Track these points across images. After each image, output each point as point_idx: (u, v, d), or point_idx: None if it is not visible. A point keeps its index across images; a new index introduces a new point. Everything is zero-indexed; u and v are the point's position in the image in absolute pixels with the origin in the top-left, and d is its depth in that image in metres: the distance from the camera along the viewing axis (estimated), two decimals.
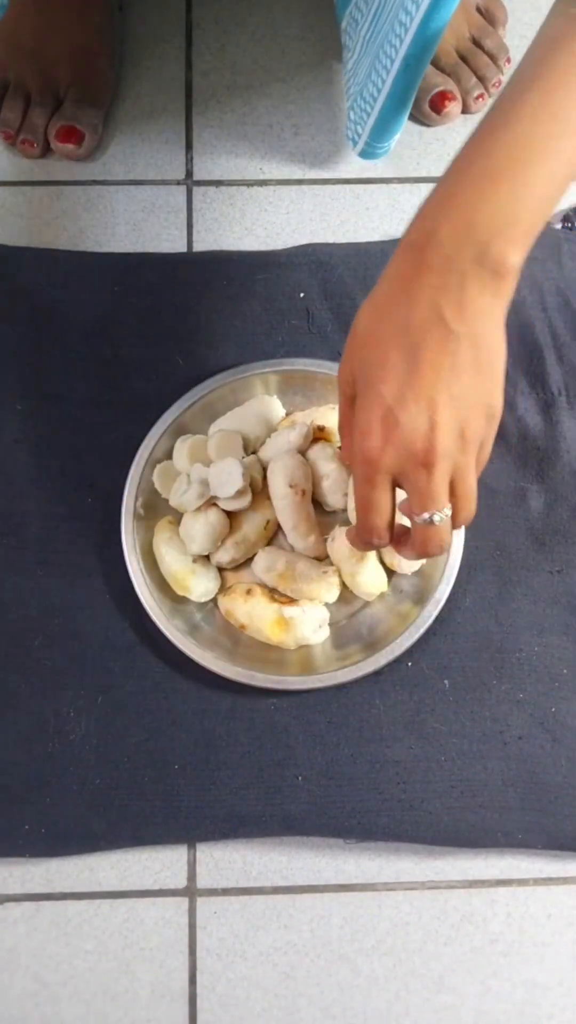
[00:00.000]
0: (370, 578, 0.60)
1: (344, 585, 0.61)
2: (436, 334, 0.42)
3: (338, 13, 0.66)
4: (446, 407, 0.43)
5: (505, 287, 0.42)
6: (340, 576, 0.61)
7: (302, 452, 0.62)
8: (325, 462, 0.61)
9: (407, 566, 0.60)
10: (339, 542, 0.60)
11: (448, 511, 0.46)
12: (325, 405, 0.63)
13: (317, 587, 0.59)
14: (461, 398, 0.43)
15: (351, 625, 0.61)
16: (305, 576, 0.59)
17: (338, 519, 0.63)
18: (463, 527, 0.50)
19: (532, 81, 0.41)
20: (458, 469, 0.45)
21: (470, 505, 0.47)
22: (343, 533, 0.60)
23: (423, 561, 0.60)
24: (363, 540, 0.49)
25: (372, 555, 0.60)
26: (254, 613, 0.59)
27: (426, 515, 0.45)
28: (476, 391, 0.43)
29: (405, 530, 0.50)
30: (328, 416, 0.62)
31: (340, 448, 0.57)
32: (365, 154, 0.66)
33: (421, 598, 0.60)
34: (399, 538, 0.50)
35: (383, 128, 0.62)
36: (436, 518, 0.45)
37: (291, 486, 0.60)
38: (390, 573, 0.61)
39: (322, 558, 0.62)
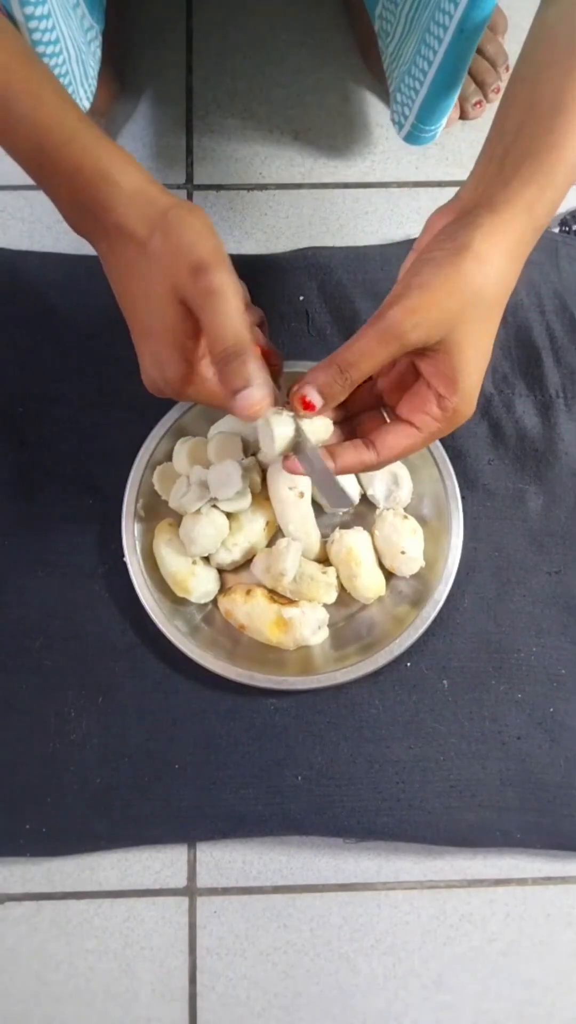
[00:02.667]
0: (368, 581, 0.60)
1: (343, 588, 0.61)
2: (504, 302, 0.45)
3: (369, 1, 0.65)
4: None
5: None
6: (339, 578, 0.61)
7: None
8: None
9: (406, 568, 0.61)
10: (338, 544, 0.60)
11: None
12: None
13: (316, 588, 0.60)
14: None
15: (350, 626, 0.62)
16: (304, 577, 0.60)
17: (338, 521, 0.63)
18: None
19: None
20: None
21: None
22: (343, 536, 0.60)
23: (422, 563, 0.60)
24: (376, 465, 0.48)
25: (371, 558, 0.61)
26: (254, 614, 0.59)
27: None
28: None
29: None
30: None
31: (309, 400, 0.46)
32: (411, 138, 0.65)
33: (419, 600, 0.60)
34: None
35: (433, 107, 0.61)
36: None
37: (290, 488, 0.60)
38: (388, 576, 0.62)
39: (321, 560, 0.62)
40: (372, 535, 0.61)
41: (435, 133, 0.64)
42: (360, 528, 0.61)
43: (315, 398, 0.45)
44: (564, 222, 0.72)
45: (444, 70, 0.57)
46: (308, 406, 0.46)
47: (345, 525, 0.62)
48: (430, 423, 0.46)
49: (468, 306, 0.42)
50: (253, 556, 0.62)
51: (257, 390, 0.42)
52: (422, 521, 0.62)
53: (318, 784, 0.59)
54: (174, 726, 0.60)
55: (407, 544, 0.60)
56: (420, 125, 0.63)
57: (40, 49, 0.55)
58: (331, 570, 0.61)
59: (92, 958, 0.59)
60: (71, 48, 0.58)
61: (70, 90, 0.60)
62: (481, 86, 0.74)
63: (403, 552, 0.60)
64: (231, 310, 0.43)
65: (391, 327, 0.43)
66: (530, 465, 0.65)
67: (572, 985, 0.60)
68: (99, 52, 0.65)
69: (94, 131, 0.45)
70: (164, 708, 0.61)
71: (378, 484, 0.62)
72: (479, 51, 0.74)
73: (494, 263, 0.42)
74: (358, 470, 0.48)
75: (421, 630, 0.59)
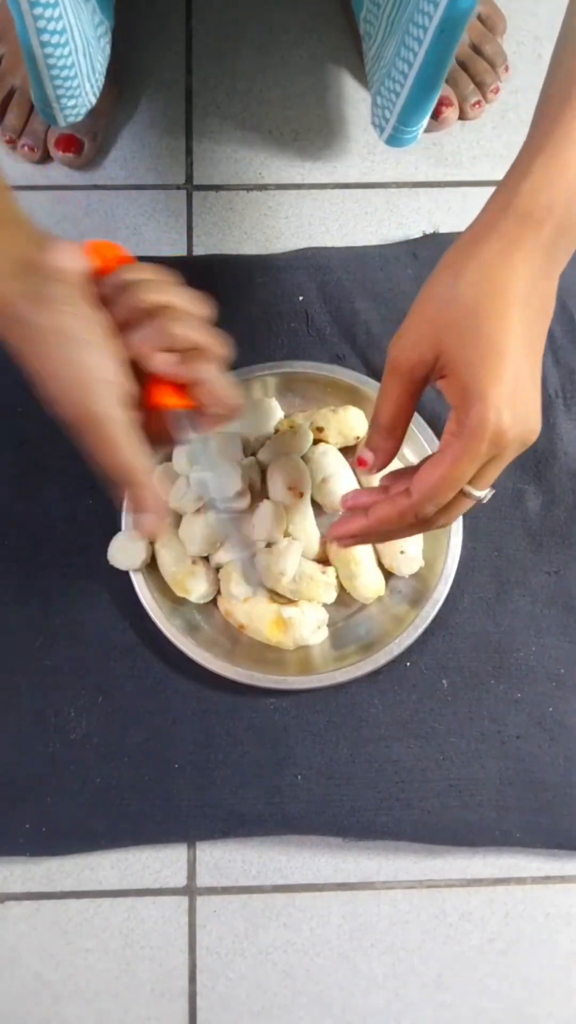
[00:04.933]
0: (368, 581, 0.60)
1: (342, 588, 0.61)
2: (545, 310, 0.43)
3: (355, 3, 0.65)
4: (537, 387, 0.43)
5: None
6: (338, 578, 0.61)
7: (302, 455, 0.62)
8: (324, 464, 0.62)
9: (405, 568, 0.61)
10: (337, 544, 0.60)
11: (491, 492, 0.46)
12: (324, 407, 0.64)
13: (316, 588, 0.60)
14: (539, 379, 0.44)
15: (349, 626, 0.62)
16: (303, 577, 0.60)
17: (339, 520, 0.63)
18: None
19: None
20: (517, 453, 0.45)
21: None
22: None
23: (421, 563, 0.61)
24: (414, 513, 0.45)
25: (371, 558, 0.61)
26: (253, 613, 0.59)
27: (484, 492, 0.45)
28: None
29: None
30: (327, 418, 0.63)
31: (363, 459, 0.48)
32: (393, 140, 0.64)
33: (418, 600, 0.60)
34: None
35: (413, 109, 0.60)
36: (484, 497, 0.45)
37: (290, 488, 0.60)
38: (387, 575, 0.62)
39: (321, 560, 0.62)
40: None
41: (416, 134, 0.64)
42: None
43: (366, 455, 0.48)
44: None
45: (426, 69, 0.56)
46: (361, 463, 0.48)
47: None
48: (451, 442, 0.42)
49: (454, 319, 0.42)
50: (253, 556, 0.62)
51: (147, 518, 0.44)
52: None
53: (318, 783, 0.59)
54: (174, 725, 0.60)
55: (406, 544, 0.60)
56: (401, 127, 0.63)
57: (44, 38, 0.55)
58: (331, 570, 0.61)
59: (92, 957, 0.59)
60: (78, 40, 0.58)
61: (75, 83, 0.60)
62: (480, 86, 0.74)
63: (402, 552, 0.60)
64: (115, 440, 0.42)
65: (388, 359, 0.44)
66: (529, 465, 0.65)
67: (571, 984, 0.60)
68: (108, 48, 0.65)
69: None
70: (164, 707, 0.61)
71: (371, 478, 0.62)
72: (478, 51, 0.74)
73: (470, 271, 0.42)
74: (395, 519, 0.46)
75: (420, 630, 0.59)
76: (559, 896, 0.61)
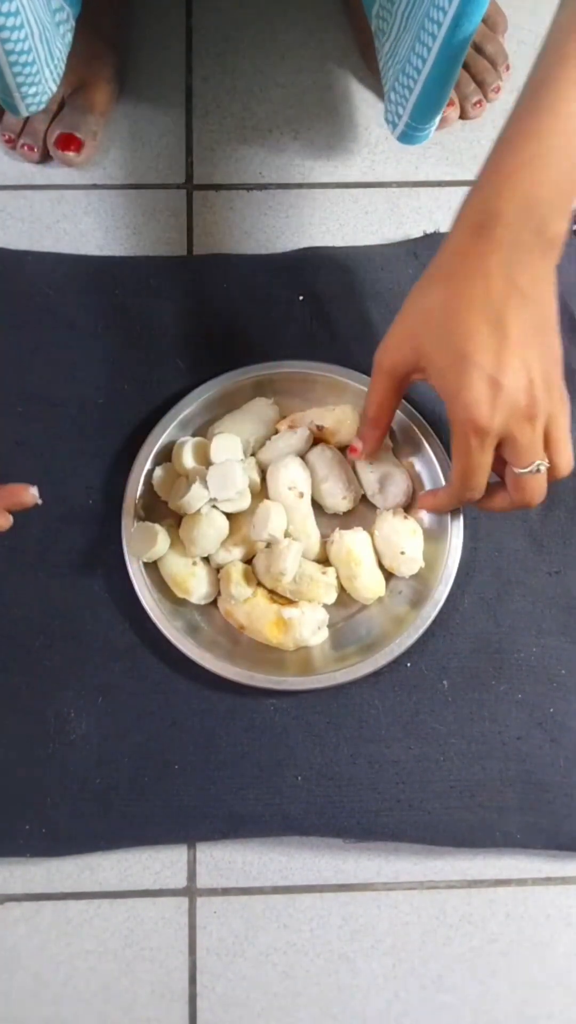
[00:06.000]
0: (368, 582, 0.60)
1: (342, 588, 0.61)
2: (515, 302, 0.46)
3: (366, 1, 0.65)
4: (537, 364, 0.47)
5: (557, 253, 0.48)
6: (338, 579, 0.61)
7: (302, 455, 0.62)
8: (324, 464, 0.61)
9: (406, 569, 0.61)
10: (338, 545, 0.60)
11: (546, 460, 0.50)
12: (324, 407, 0.64)
13: (316, 588, 0.60)
14: (544, 354, 0.48)
15: (349, 627, 0.62)
16: (304, 577, 0.60)
17: (338, 521, 0.63)
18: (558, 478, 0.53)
19: (561, 66, 0.45)
20: (552, 418, 0.49)
21: (569, 449, 0.51)
22: (343, 536, 0.60)
23: (421, 564, 0.60)
24: (460, 499, 0.53)
25: (371, 559, 0.61)
26: (253, 614, 0.59)
27: (532, 466, 0.50)
28: (552, 345, 0.49)
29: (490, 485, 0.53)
30: (326, 416, 0.62)
31: (355, 447, 0.60)
32: (405, 138, 0.65)
33: (419, 600, 0.60)
34: (489, 492, 0.54)
35: (426, 106, 0.61)
36: (541, 467, 0.50)
37: (290, 488, 0.60)
38: (388, 576, 0.62)
39: (321, 560, 0.62)
40: (372, 536, 0.61)
41: (429, 132, 0.64)
42: (360, 528, 0.61)
43: (356, 444, 0.59)
44: None
45: (439, 67, 0.57)
46: (353, 451, 0.60)
47: (345, 525, 0.62)
48: (458, 441, 0.49)
49: (429, 328, 0.48)
50: (253, 556, 0.62)
51: None
52: (421, 521, 0.62)
53: (318, 784, 0.59)
54: (174, 726, 0.60)
55: (407, 545, 0.60)
56: (413, 124, 0.63)
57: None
58: (331, 570, 0.60)
59: (92, 958, 0.59)
60: (34, 25, 0.57)
61: (34, 69, 0.60)
62: (481, 85, 0.74)
63: (403, 552, 0.60)
64: None
65: (375, 361, 0.53)
66: None
67: (572, 986, 0.60)
68: (69, 36, 0.64)
69: None
70: (164, 708, 0.61)
71: (371, 478, 0.62)
72: (479, 50, 0.74)
73: (437, 284, 0.48)
74: (451, 505, 0.57)
75: (421, 630, 0.59)
76: (560, 897, 0.61)
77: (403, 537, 0.60)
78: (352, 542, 0.60)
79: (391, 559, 0.61)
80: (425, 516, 0.62)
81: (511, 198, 0.46)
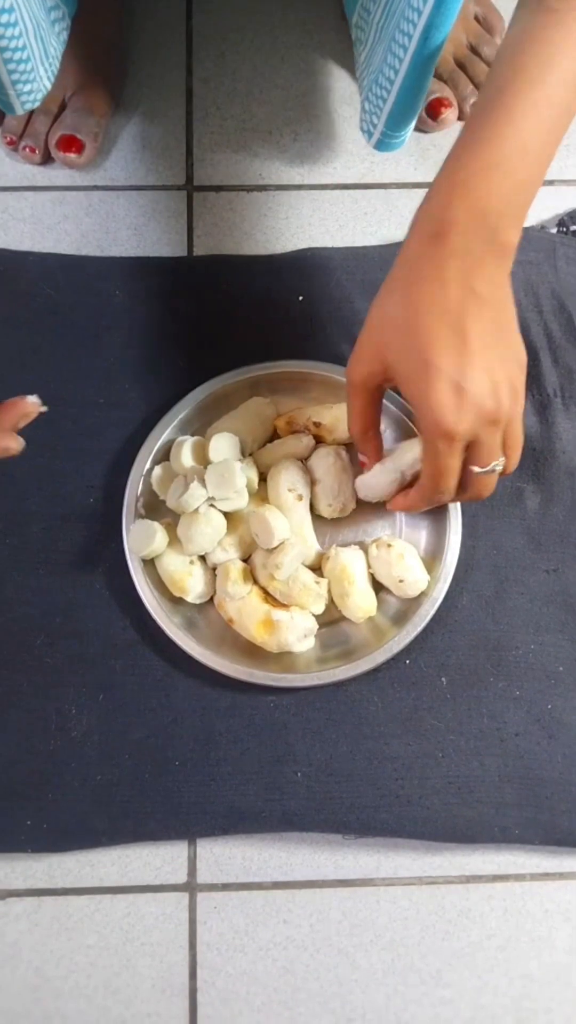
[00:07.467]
0: (360, 601, 0.60)
1: (334, 604, 0.61)
2: (473, 307, 0.47)
3: (347, 9, 0.65)
4: (499, 367, 0.48)
5: (510, 259, 0.48)
6: (330, 595, 0.61)
7: (303, 459, 0.63)
8: (322, 468, 0.62)
9: (412, 591, 0.60)
10: (333, 561, 0.60)
11: (503, 459, 0.51)
12: (322, 406, 0.64)
13: (307, 595, 0.60)
14: (505, 356, 0.48)
15: (332, 634, 0.61)
16: (297, 582, 0.60)
17: (337, 527, 0.63)
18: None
19: (516, 76, 0.46)
20: (510, 420, 0.50)
21: (519, 449, 0.52)
22: (339, 553, 0.60)
23: (427, 578, 0.60)
24: (430, 501, 0.54)
25: (365, 579, 0.61)
26: (244, 610, 0.59)
27: (491, 466, 0.51)
28: (513, 348, 0.49)
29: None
30: (323, 414, 0.63)
31: (362, 461, 0.59)
32: (381, 145, 0.66)
33: (402, 619, 0.60)
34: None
35: (400, 114, 0.61)
36: (497, 467, 0.51)
37: (289, 490, 0.60)
38: (378, 588, 0.62)
39: (315, 567, 0.62)
40: (368, 556, 0.61)
41: (403, 139, 0.65)
42: (356, 547, 0.61)
43: (362, 458, 0.58)
44: (561, 222, 0.72)
45: (410, 77, 0.58)
46: (362, 464, 0.59)
47: (344, 538, 0.62)
48: (427, 446, 0.50)
49: (392, 338, 0.49)
50: (250, 556, 0.62)
51: None
52: (420, 520, 0.62)
53: (317, 780, 0.60)
54: (174, 723, 0.61)
55: (401, 572, 0.60)
56: (388, 132, 0.64)
57: None
58: (324, 581, 0.61)
59: (93, 954, 0.60)
60: (28, 22, 0.57)
61: (29, 67, 0.60)
62: (478, 87, 0.74)
63: (401, 581, 0.60)
64: None
65: (347, 378, 0.53)
66: (528, 464, 0.66)
67: (570, 980, 0.60)
68: (65, 35, 0.64)
69: None
70: (164, 705, 0.61)
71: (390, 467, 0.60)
72: (476, 52, 0.74)
73: (397, 294, 0.49)
74: (422, 504, 0.55)
75: (420, 627, 0.59)
76: (558, 892, 0.61)
77: (394, 567, 0.60)
78: (347, 560, 0.60)
79: (394, 588, 0.60)
80: (405, 517, 0.62)
81: (463, 207, 0.46)
